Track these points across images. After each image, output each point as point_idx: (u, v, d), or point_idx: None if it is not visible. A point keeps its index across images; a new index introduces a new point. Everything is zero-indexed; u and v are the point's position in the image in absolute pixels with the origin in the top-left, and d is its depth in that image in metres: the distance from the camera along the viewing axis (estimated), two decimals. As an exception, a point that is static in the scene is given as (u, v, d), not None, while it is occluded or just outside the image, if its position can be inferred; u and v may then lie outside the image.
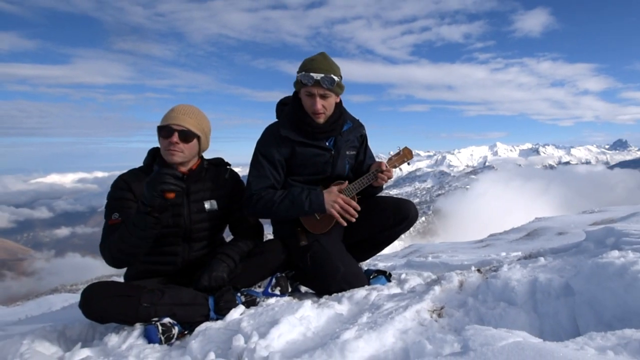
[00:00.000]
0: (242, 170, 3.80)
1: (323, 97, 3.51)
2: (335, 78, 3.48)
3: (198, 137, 3.35)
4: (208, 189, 3.50)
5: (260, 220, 3.83)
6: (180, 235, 3.38)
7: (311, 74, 3.42)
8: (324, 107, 3.54)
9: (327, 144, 3.70)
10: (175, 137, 3.23)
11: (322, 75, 3.43)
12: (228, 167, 3.75)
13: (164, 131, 3.25)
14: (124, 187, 3.24)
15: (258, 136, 3.75)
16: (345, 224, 3.55)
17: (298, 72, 3.51)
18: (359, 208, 3.54)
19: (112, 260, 3.09)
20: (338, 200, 3.51)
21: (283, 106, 3.90)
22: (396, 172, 4.04)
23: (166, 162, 3.34)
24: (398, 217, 3.76)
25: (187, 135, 3.27)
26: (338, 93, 3.63)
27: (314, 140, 3.64)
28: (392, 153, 3.78)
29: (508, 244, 9.14)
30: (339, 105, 3.72)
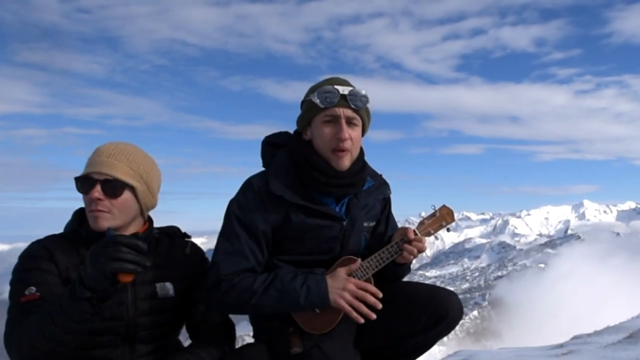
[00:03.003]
0: (208, 242, 3.70)
1: (350, 123, 3.49)
2: (367, 97, 3.50)
3: (132, 188, 3.26)
4: (160, 266, 3.35)
5: (232, 316, 3.67)
6: (120, 332, 3.19)
7: (335, 86, 3.42)
8: (351, 139, 3.49)
9: (337, 209, 3.62)
10: (97, 191, 3.13)
11: (351, 88, 3.45)
12: (187, 239, 3.67)
13: (82, 184, 3.20)
14: (42, 255, 3.12)
15: (232, 192, 3.67)
16: (362, 321, 3.35)
17: (309, 94, 3.52)
18: (380, 294, 3.40)
19: (29, 352, 2.86)
20: (348, 287, 3.35)
21: (274, 148, 3.79)
22: (432, 243, 3.91)
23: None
24: (433, 315, 3.58)
25: (114, 187, 3.18)
26: (365, 125, 3.64)
27: (320, 202, 3.55)
28: (424, 215, 3.72)
29: (601, 350, 9.09)
30: (362, 150, 3.71)
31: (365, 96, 3.47)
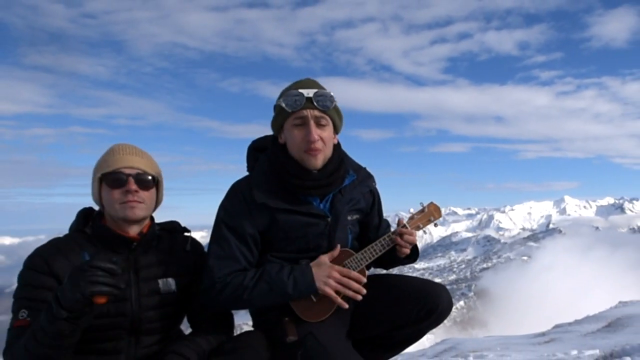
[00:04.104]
0: (207, 236, 3.65)
1: (319, 124, 3.50)
2: (333, 97, 3.50)
3: (157, 182, 3.38)
4: (162, 263, 3.40)
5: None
6: (125, 327, 3.22)
7: (300, 90, 3.44)
8: (321, 139, 3.49)
9: (320, 206, 3.64)
10: (133, 184, 3.21)
11: (316, 90, 3.45)
12: (187, 234, 3.70)
13: (114, 179, 3.21)
14: (41, 269, 3.12)
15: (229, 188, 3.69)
16: (346, 306, 3.42)
17: (278, 98, 3.54)
18: (363, 280, 3.45)
19: None
20: (332, 274, 3.39)
21: (258, 152, 3.85)
22: (421, 237, 3.97)
23: (106, 227, 3.28)
24: (424, 308, 3.61)
25: (146, 180, 3.28)
26: (336, 124, 3.65)
27: (303, 202, 3.58)
28: (413, 211, 3.78)
29: (581, 339, 9.11)
30: (337, 148, 3.72)
31: (331, 96, 3.49)
